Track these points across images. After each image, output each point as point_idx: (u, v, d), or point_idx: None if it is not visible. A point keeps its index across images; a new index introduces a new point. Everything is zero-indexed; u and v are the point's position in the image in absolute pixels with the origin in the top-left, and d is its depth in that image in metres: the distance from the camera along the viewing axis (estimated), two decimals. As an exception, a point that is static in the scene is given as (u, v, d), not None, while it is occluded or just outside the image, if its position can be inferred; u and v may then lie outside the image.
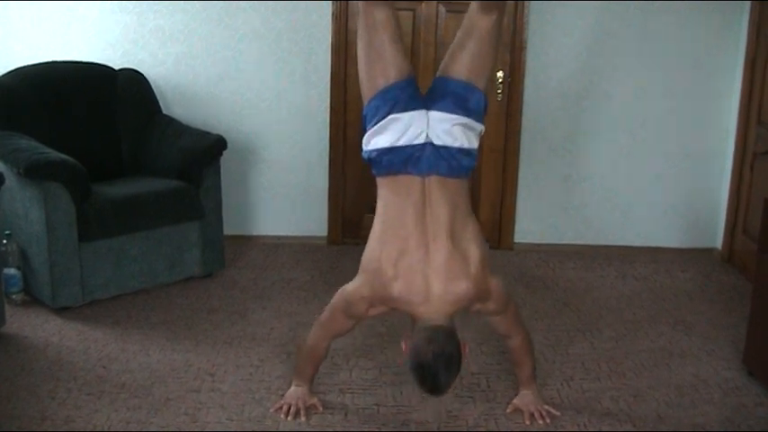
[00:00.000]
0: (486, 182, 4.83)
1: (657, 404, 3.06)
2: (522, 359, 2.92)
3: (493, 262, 4.69)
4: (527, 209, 4.88)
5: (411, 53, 4.60)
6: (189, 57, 4.62)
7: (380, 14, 2.56)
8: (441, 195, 2.57)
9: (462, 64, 2.61)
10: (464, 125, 2.57)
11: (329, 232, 4.88)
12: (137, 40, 4.57)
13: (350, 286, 2.70)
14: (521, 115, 4.72)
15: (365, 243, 2.68)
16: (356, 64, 2.71)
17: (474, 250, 2.59)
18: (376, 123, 2.57)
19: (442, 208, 2.57)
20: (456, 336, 2.53)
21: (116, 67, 4.45)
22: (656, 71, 4.67)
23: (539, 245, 4.90)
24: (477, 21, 2.60)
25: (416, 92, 2.61)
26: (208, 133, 4.21)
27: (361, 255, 2.68)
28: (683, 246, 4.91)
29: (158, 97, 4.50)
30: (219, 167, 4.19)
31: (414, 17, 4.61)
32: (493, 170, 4.81)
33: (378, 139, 2.58)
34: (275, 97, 4.70)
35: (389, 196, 2.63)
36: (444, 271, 2.54)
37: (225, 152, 4.18)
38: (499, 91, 4.68)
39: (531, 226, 4.90)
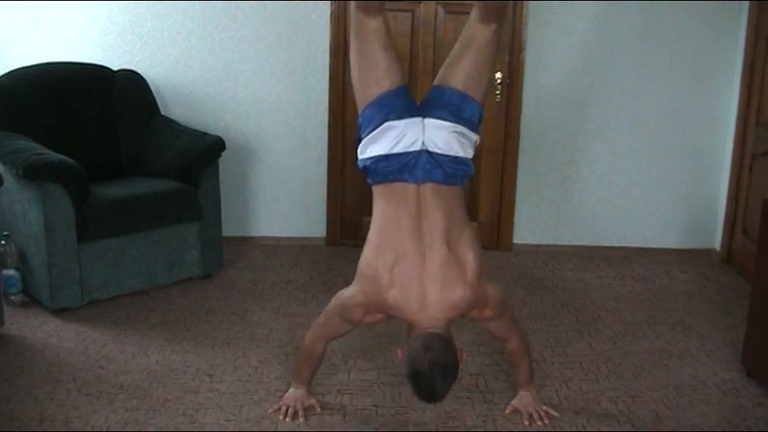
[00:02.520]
0: (485, 182, 4.83)
1: (656, 405, 3.06)
2: (519, 361, 2.92)
3: (492, 263, 4.68)
4: (526, 210, 4.88)
5: (410, 54, 4.61)
6: (187, 58, 4.62)
7: (372, 23, 2.55)
8: (436, 203, 2.56)
9: (459, 74, 2.61)
10: (459, 134, 2.57)
11: (328, 233, 4.88)
12: (135, 41, 4.57)
13: (346, 292, 2.70)
14: (520, 116, 4.72)
15: (364, 244, 2.67)
16: None
17: (470, 257, 2.58)
18: (371, 132, 2.57)
19: (438, 215, 2.56)
20: (452, 343, 2.53)
21: (114, 68, 4.45)
22: (655, 72, 4.67)
23: (537, 246, 4.90)
24: (476, 32, 2.60)
25: (410, 100, 2.61)
26: (206, 134, 4.21)
27: (359, 256, 2.67)
28: (682, 247, 4.92)
29: (157, 98, 4.50)
30: (218, 168, 4.19)
31: (412, 18, 4.61)
32: (492, 171, 4.81)
33: (373, 148, 2.57)
34: (274, 98, 4.70)
35: (385, 204, 2.62)
36: (440, 278, 2.53)
37: (223, 153, 4.18)
38: (498, 92, 4.68)
39: (529, 227, 4.90)
